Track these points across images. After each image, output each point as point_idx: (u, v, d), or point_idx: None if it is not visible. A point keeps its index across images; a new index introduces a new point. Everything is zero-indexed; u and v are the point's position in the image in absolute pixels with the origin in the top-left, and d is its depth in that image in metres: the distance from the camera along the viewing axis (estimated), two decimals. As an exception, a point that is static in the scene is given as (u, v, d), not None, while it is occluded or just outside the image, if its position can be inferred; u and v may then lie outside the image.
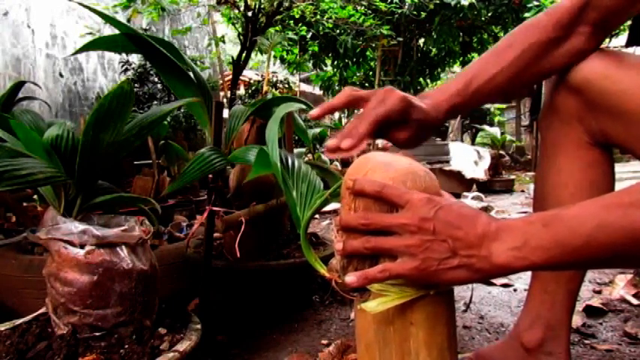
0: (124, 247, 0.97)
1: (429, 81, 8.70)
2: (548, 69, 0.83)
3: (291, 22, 5.84)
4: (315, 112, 0.76)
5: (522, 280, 1.84)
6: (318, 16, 5.09)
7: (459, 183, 4.78)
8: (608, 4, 0.78)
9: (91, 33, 4.23)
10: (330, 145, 0.71)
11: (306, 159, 2.84)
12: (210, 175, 1.42)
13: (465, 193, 4.46)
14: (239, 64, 4.41)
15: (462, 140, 10.41)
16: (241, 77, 5.27)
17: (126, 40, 1.24)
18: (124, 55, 5.01)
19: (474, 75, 0.81)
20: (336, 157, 0.83)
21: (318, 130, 3.34)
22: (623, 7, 0.79)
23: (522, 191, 5.12)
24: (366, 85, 9.12)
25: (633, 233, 0.52)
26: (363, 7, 5.53)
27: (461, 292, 1.63)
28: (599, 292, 1.71)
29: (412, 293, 0.63)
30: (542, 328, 0.92)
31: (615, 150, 0.88)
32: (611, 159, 0.88)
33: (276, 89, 6.36)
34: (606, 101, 0.78)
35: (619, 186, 0.57)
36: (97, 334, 0.94)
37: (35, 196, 2.05)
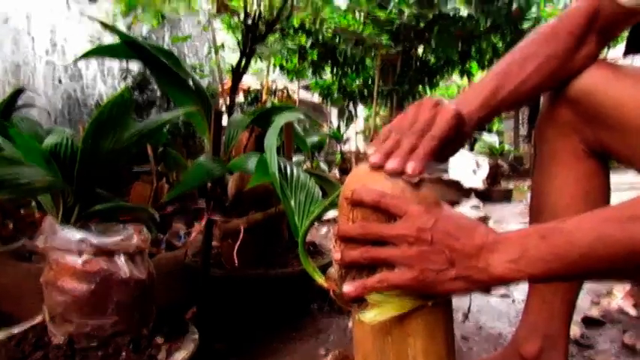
0: (121, 255, 0.97)
1: (427, 89, 8.73)
2: (564, 78, 0.83)
3: (291, 30, 5.87)
4: (377, 160, 0.66)
5: (521, 291, 1.83)
6: (318, 25, 5.11)
7: (458, 192, 4.78)
8: (610, 13, 0.79)
9: (91, 41, 4.24)
10: (390, 167, 0.64)
11: (305, 167, 2.84)
12: (209, 183, 1.42)
13: (462, 203, 4.46)
14: (238, 72, 4.42)
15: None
16: (240, 85, 5.28)
17: (126, 47, 1.24)
18: (123, 62, 5.02)
19: (499, 85, 0.79)
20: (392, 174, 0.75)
21: (316, 138, 3.34)
22: (623, 16, 0.80)
23: (520, 200, 5.12)
24: (365, 93, 9.15)
25: (631, 247, 0.52)
26: (362, 16, 5.56)
27: (459, 301, 1.62)
28: (597, 303, 1.71)
29: (410, 304, 0.63)
30: (540, 338, 0.91)
31: (613, 160, 0.89)
32: (607, 169, 0.89)
33: (275, 97, 6.37)
34: (603, 112, 0.78)
35: (616, 196, 0.57)
36: (94, 343, 0.93)
37: (33, 204, 2.04)
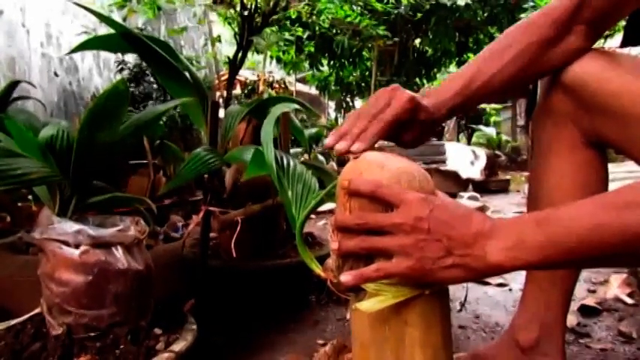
0: (119, 247, 0.97)
1: (425, 81, 8.72)
2: (546, 68, 0.84)
3: (288, 22, 5.84)
4: (330, 141, 0.74)
5: (518, 280, 1.84)
6: (315, 17, 5.09)
7: (455, 183, 4.78)
8: (600, 5, 0.79)
9: (86, 32, 4.22)
10: (339, 148, 0.71)
11: (303, 159, 2.84)
12: (206, 175, 1.42)
13: (460, 193, 4.47)
14: (235, 64, 4.40)
15: (458, 140, 10.43)
16: (237, 77, 5.27)
17: (121, 39, 1.23)
18: (119, 54, 4.99)
19: (475, 74, 0.81)
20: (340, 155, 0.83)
21: (314, 130, 3.35)
22: (613, 8, 0.79)
23: (518, 191, 5.13)
24: (363, 85, 9.13)
25: (627, 234, 0.52)
26: (359, 8, 5.53)
27: (456, 291, 1.63)
28: (593, 292, 1.72)
29: (407, 293, 0.64)
30: (537, 327, 0.92)
31: (610, 150, 0.89)
32: (605, 159, 0.89)
33: (272, 89, 6.36)
34: (600, 101, 0.78)
35: (614, 186, 0.57)
36: (92, 334, 0.93)
37: (30, 196, 2.04)
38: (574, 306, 1.50)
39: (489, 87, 0.81)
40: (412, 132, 0.79)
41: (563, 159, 0.88)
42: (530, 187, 0.96)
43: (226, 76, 4.99)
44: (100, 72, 5.23)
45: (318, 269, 0.74)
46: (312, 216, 3.37)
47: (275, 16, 4.56)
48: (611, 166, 0.91)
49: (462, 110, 0.85)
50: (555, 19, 0.80)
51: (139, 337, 0.97)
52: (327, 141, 0.73)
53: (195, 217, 1.64)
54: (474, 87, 0.81)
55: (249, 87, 6.25)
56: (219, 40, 5.18)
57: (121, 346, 0.93)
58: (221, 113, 1.54)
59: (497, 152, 5.83)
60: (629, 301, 1.58)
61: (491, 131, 6.23)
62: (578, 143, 0.86)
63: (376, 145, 0.73)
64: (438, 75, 9.14)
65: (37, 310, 1.01)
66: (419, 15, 6.94)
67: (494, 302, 1.66)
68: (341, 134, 0.73)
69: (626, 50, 1.02)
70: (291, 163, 1.04)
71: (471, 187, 4.98)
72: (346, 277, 0.63)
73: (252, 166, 1.15)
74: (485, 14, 7.09)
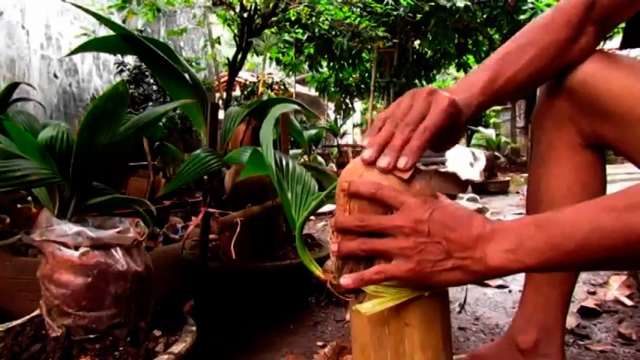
0: (118, 248, 0.97)
1: (424, 82, 8.72)
2: (562, 68, 0.82)
3: (287, 23, 5.85)
4: (370, 155, 0.65)
5: (517, 282, 1.84)
6: (314, 18, 5.09)
7: (455, 184, 4.78)
8: (608, 4, 0.79)
9: (85, 34, 4.22)
10: (383, 165, 0.64)
11: (302, 160, 2.84)
12: (206, 177, 1.42)
13: (460, 195, 4.47)
14: (235, 66, 4.41)
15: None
16: (237, 78, 5.27)
17: (121, 41, 1.23)
18: (119, 56, 5.00)
19: (497, 72, 0.78)
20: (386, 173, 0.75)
21: (313, 131, 3.35)
22: (621, 8, 0.79)
23: (517, 192, 5.14)
24: (362, 86, 9.14)
25: (627, 236, 0.52)
26: (358, 9, 5.54)
27: (456, 293, 1.63)
28: (593, 293, 1.72)
29: (407, 294, 0.64)
30: (536, 329, 0.92)
31: (610, 151, 0.89)
32: (604, 161, 0.89)
33: (271, 91, 6.36)
34: (599, 103, 0.78)
35: (613, 188, 0.57)
36: (92, 336, 0.93)
37: (29, 198, 2.04)
38: (574, 307, 1.50)
39: (512, 85, 0.79)
40: (450, 136, 0.74)
41: (562, 160, 0.88)
42: (529, 188, 0.96)
43: (226, 78, 4.99)
44: (100, 74, 5.23)
45: (317, 271, 0.74)
46: (312, 217, 3.37)
47: (274, 18, 4.57)
48: (611, 168, 0.91)
49: (486, 108, 0.81)
50: (570, 20, 0.80)
51: (139, 339, 0.97)
52: (367, 154, 0.65)
53: (195, 219, 1.64)
54: (497, 85, 0.77)
55: (249, 88, 6.25)
56: (219, 42, 5.18)
57: (121, 348, 0.93)
58: (221, 115, 1.54)
59: (496, 154, 5.83)
60: (629, 302, 1.58)
61: (490, 133, 6.22)
62: (577, 145, 0.86)
63: None
64: (437, 76, 9.15)
65: (36, 312, 1.01)
66: (418, 16, 6.94)
67: (493, 304, 1.66)
68: (380, 145, 0.65)
69: (625, 52, 1.02)
70: (291, 164, 1.04)
71: (470, 188, 4.98)
72: (346, 280, 0.63)
73: (249, 166, 1.15)
74: (485, 16, 7.09)
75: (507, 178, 5.73)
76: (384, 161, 0.64)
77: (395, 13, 6.48)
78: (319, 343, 1.34)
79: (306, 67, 8.53)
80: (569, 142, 0.87)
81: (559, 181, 0.88)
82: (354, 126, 12.58)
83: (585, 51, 0.81)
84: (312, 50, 7.70)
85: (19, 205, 1.98)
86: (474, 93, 0.76)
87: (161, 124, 3.36)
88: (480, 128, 6.79)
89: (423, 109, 0.67)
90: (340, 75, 8.74)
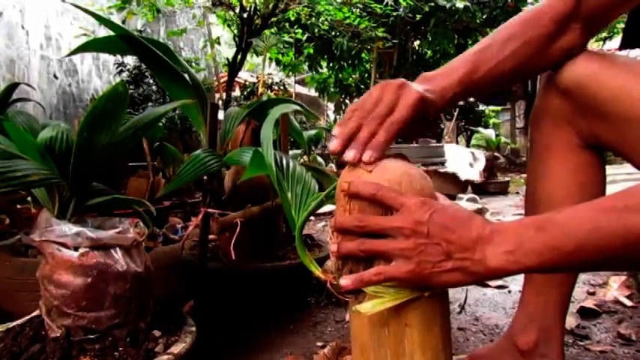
0: (118, 249, 0.97)
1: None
2: (544, 64, 0.82)
3: (287, 24, 5.85)
4: (336, 146, 0.68)
5: (517, 282, 1.84)
6: (314, 19, 5.10)
7: (454, 185, 4.78)
8: (596, 4, 0.79)
9: (85, 34, 4.22)
10: (348, 158, 0.66)
11: (302, 161, 2.84)
12: (206, 177, 1.42)
13: (459, 195, 4.47)
14: (234, 66, 4.41)
15: (457, 142, 10.44)
16: (237, 79, 5.27)
17: (121, 41, 1.23)
18: (118, 56, 5.00)
19: (477, 64, 0.78)
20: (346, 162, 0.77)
21: (313, 132, 3.35)
22: (608, 8, 0.79)
23: (517, 193, 5.14)
24: (362, 87, 9.14)
25: (627, 237, 0.52)
26: (358, 10, 5.54)
27: (456, 293, 1.63)
28: (593, 294, 1.72)
29: (407, 295, 0.64)
30: (535, 330, 0.92)
31: (610, 152, 0.88)
32: (602, 161, 0.88)
33: (271, 91, 6.36)
34: (597, 104, 0.78)
35: (615, 188, 0.57)
36: (91, 336, 0.93)
37: (29, 198, 2.04)
38: (573, 308, 1.50)
39: (490, 78, 0.79)
40: (416, 127, 0.75)
41: (560, 161, 0.88)
42: (528, 188, 0.96)
43: (225, 78, 5.00)
44: (100, 74, 5.23)
45: (317, 271, 0.74)
46: (311, 218, 3.37)
47: (274, 18, 4.57)
48: (611, 168, 0.91)
49: (462, 98, 0.81)
50: (555, 16, 0.79)
51: (138, 339, 0.97)
52: (332, 145, 0.67)
53: (195, 219, 1.64)
54: (476, 76, 0.77)
55: (249, 89, 6.26)
56: (219, 42, 5.18)
57: (120, 349, 0.93)
58: (220, 115, 1.54)
59: (496, 154, 5.83)
60: (629, 303, 1.58)
61: (490, 133, 6.22)
62: (576, 145, 0.86)
63: None
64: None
65: (35, 313, 1.01)
66: (418, 17, 6.95)
67: (493, 304, 1.66)
68: (346, 137, 0.67)
69: (624, 52, 1.02)
70: (291, 164, 1.04)
71: (470, 188, 4.98)
72: (346, 281, 0.63)
73: (251, 167, 1.15)
74: (484, 16, 7.10)
75: (507, 179, 5.73)
76: (350, 154, 0.66)
77: (394, 13, 6.49)
78: (319, 344, 1.34)
79: (305, 67, 8.54)
80: (567, 143, 0.86)
81: (557, 181, 0.88)
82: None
83: (570, 49, 0.81)
84: (311, 51, 7.70)
85: (18, 206, 1.98)
86: (450, 84, 0.76)
87: (161, 124, 3.37)
88: (480, 129, 6.79)
89: (392, 103, 0.69)
90: (340, 75, 8.74)
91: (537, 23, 0.80)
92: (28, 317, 1.02)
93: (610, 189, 0.87)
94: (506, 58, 0.78)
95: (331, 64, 8.35)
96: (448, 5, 6.69)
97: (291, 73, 8.55)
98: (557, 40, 0.80)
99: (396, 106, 0.69)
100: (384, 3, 6.10)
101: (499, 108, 11.74)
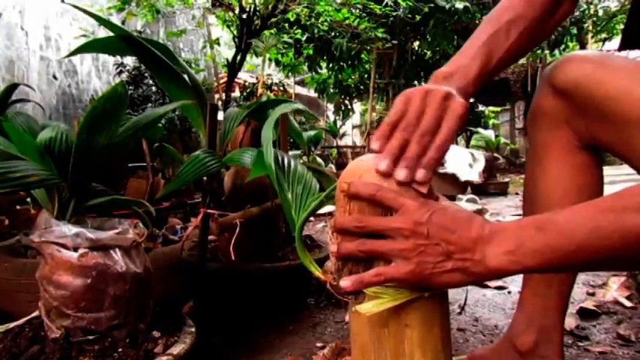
0: (117, 250, 0.97)
1: (423, 84, 8.71)
2: (544, 38, 0.88)
3: (286, 24, 5.85)
4: (385, 166, 0.63)
5: (516, 283, 1.84)
6: (313, 19, 5.10)
7: (454, 185, 4.78)
8: None
9: (85, 35, 4.22)
10: (401, 178, 0.62)
11: (301, 161, 2.84)
12: (205, 178, 1.42)
13: (459, 196, 4.47)
14: (234, 67, 4.41)
15: (456, 143, 10.45)
16: (236, 80, 5.28)
17: (120, 42, 1.23)
18: (118, 57, 5.00)
19: (489, 56, 0.78)
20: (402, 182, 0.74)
21: (313, 132, 3.35)
22: None
23: (516, 194, 5.14)
24: (361, 87, 9.14)
25: (626, 237, 0.52)
26: (357, 10, 5.54)
27: (455, 294, 1.63)
28: (592, 295, 1.72)
29: (407, 295, 0.64)
30: (535, 331, 0.92)
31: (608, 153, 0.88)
32: (600, 162, 0.88)
33: (271, 92, 6.36)
34: (594, 105, 0.78)
35: (615, 189, 0.57)
36: (91, 337, 0.93)
37: (28, 199, 2.04)
38: (573, 309, 1.50)
39: (500, 66, 0.80)
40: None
41: (557, 161, 0.88)
42: (526, 188, 0.96)
43: (225, 79, 5.00)
44: (99, 75, 5.23)
45: (317, 272, 0.74)
46: (311, 218, 3.37)
47: (274, 19, 4.57)
48: (611, 169, 0.91)
49: (479, 90, 0.82)
50: None
51: (138, 340, 0.97)
52: (382, 166, 0.63)
53: (194, 220, 1.64)
54: (487, 70, 0.77)
55: (248, 89, 6.26)
56: (218, 43, 5.18)
57: (120, 349, 0.93)
58: (220, 116, 1.54)
59: (495, 155, 5.83)
60: (628, 303, 1.58)
61: (489, 134, 6.21)
62: (573, 146, 0.86)
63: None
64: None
65: (35, 313, 1.01)
66: (417, 18, 6.95)
67: (493, 305, 1.66)
68: (394, 155, 0.64)
69: (624, 53, 1.02)
70: (292, 163, 1.04)
71: (469, 189, 4.98)
72: (346, 283, 0.63)
73: (256, 168, 1.15)
74: (484, 17, 7.10)
75: (506, 180, 5.73)
76: (401, 174, 0.62)
77: (394, 14, 6.48)
78: (318, 344, 1.34)
79: (305, 68, 8.54)
80: (565, 144, 0.86)
81: (555, 182, 0.88)
82: (354, 127, 12.59)
83: (564, 19, 0.86)
84: (311, 51, 7.69)
85: (18, 207, 1.98)
86: (469, 81, 0.76)
87: (160, 125, 3.37)
88: (479, 129, 6.79)
89: (439, 116, 0.66)
90: (339, 76, 8.74)
91: (535, 2, 0.82)
92: (27, 318, 1.02)
93: (610, 189, 0.87)
94: (513, 43, 0.80)
95: (331, 65, 8.35)
96: (448, 6, 6.69)
97: (290, 74, 8.56)
98: (555, 13, 0.84)
99: (444, 120, 0.66)
100: (384, 4, 6.10)
101: (498, 109, 11.73)
